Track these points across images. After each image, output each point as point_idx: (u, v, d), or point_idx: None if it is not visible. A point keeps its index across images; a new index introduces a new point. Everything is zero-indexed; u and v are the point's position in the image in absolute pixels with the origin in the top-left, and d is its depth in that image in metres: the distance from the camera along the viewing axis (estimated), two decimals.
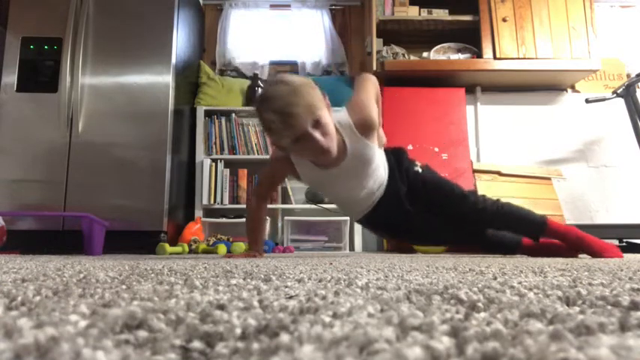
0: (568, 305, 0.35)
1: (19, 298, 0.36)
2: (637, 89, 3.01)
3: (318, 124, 1.33)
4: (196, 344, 0.22)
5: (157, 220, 2.48)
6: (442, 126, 3.18)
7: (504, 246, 1.76)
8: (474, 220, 1.66)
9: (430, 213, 1.67)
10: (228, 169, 3.11)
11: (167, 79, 2.62)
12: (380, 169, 1.60)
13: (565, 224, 1.69)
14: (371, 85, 1.55)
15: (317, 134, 1.32)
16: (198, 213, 2.99)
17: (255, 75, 3.38)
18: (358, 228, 3.05)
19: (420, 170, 1.69)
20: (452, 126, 3.21)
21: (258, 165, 3.16)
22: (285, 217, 3.05)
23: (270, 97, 1.32)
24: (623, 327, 0.26)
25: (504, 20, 3.19)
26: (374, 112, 1.48)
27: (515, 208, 1.68)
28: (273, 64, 3.55)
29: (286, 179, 2.91)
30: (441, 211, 1.67)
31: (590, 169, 3.43)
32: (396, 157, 1.70)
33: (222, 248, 2.39)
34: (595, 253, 1.58)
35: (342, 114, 1.49)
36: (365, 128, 1.47)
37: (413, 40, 3.44)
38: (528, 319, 0.28)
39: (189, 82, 3.10)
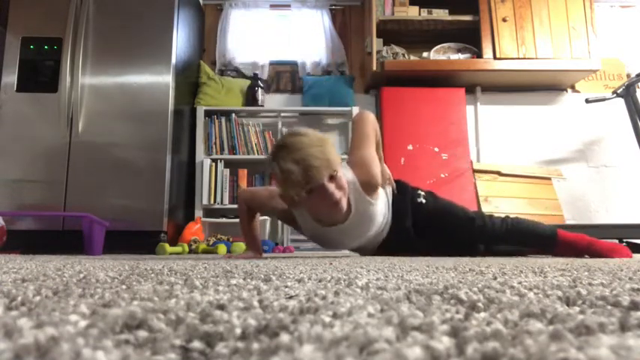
0: (568, 305, 0.35)
1: (19, 298, 0.36)
2: (637, 89, 3.01)
3: (333, 178, 1.33)
4: (196, 344, 0.22)
5: (157, 220, 2.48)
6: (442, 126, 3.18)
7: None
8: (485, 241, 1.66)
9: (441, 238, 1.68)
10: (228, 169, 3.11)
11: (167, 79, 2.62)
12: (382, 218, 1.59)
13: (573, 233, 1.68)
14: (370, 129, 1.55)
15: (332, 187, 1.33)
16: (198, 213, 2.99)
17: (255, 75, 3.38)
18: None
19: (424, 201, 1.67)
20: (452, 126, 3.21)
21: (258, 165, 3.16)
22: None
23: (291, 147, 1.30)
24: (623, 327, 0.26)
25: (504, 20, 3.19)
26: (377, 168, 1.49)
27: (525, 223, 1.65)
28: (273, 64, 3.55)
29: None
30: (451, 237, 1.66)
31: (590, 169, 3.43)
32: (399, 189, 1.69)
33: (222, 248, 2.39)
34: (607, 256, 1.57)
35: (347, 171, 1.47)
36: (369, 188, 1.48)
37: (413, 40, 3.44)
38: (528, 319, 0.28)
39: (189, 82, 3.10)
